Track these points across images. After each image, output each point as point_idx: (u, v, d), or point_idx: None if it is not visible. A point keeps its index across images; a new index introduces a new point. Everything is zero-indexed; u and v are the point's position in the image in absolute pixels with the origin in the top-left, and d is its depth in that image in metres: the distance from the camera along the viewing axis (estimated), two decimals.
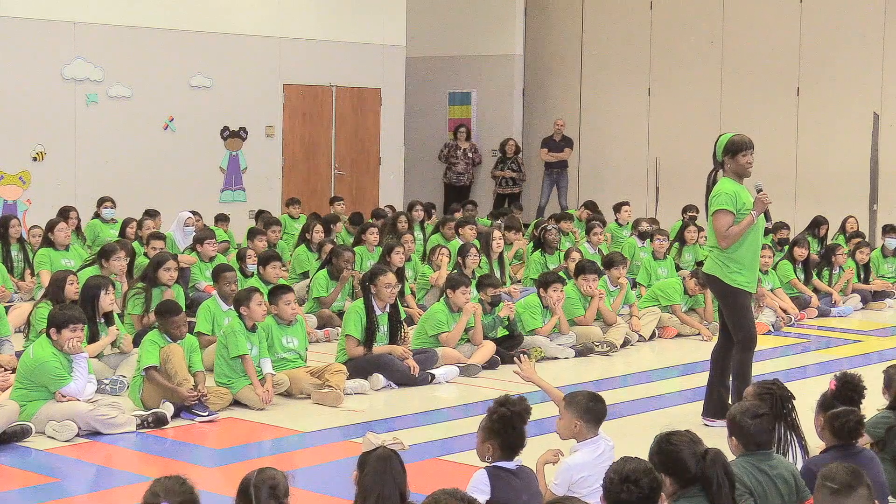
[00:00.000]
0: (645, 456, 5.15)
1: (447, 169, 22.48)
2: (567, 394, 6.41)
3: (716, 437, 6.31)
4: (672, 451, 5.06)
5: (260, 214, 17.52)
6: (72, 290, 10.20)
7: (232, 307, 10.46)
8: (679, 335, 12.68)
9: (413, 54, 21.79)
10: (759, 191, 8.56)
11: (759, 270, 8.81)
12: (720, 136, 8.76)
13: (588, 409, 6.18)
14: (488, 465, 5.70)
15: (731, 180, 8.59)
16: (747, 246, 8.57)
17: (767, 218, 8.61)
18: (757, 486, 5.45)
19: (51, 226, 13.46)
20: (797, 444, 6.11)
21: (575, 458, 6.13)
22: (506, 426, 5.71)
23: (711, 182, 8.72)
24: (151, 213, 15.83)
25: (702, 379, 10.31)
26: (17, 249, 13.94)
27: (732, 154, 8.55)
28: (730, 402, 8.60)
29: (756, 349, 11.92)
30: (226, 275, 10.84)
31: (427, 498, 4.52)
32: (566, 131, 22.30)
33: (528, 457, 6.29)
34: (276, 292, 9.95)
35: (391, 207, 18.92)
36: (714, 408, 8.74)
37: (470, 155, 22.48)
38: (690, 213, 17.56)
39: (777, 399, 6.08)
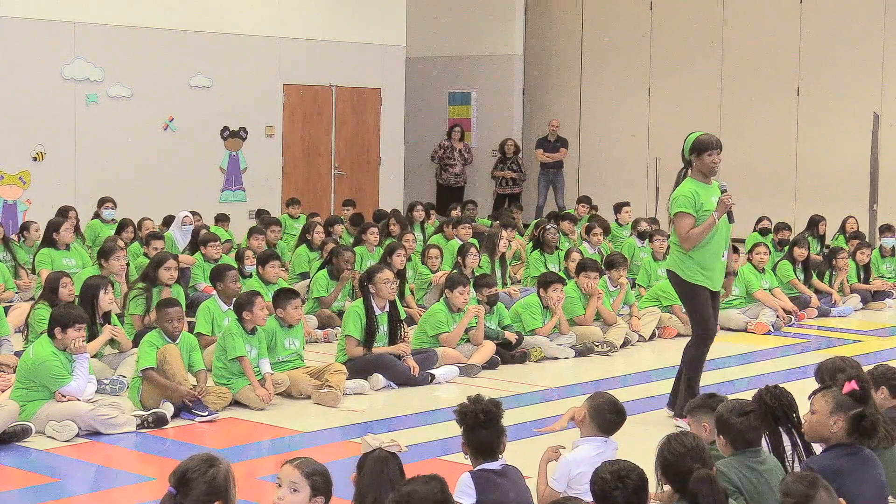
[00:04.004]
0: (643, 456, 5.16)
1: (442, 170, 22.44)
2: (597, 392, 6.44)
3: None
4: (670, 460, 5.08)
5: (260, 214, 17.53)
6: (65, 292, 10.19)
7: (231, 307, 10.49)
8: (679, 335, 12.65)
9: (413, 54, 21.79)
10: (723, 191, 8.60)
11: (724, 271, 8.83)
12: (688, 134, 8.78)
13: (598, 416, 6.18)
14: (473, 468, 5.68)
15: (695, 180, 8.62)
16: (708, 248, 8.58)
17: (731, 219, 8.68)
18: (748, 484, 5.44)
19: (55, 226, 13.42)
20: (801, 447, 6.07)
21: (574, 454, 6.13)
22: (470, 426, 5.70)
23: (680, 180, 8.75)
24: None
25: (701, 379, 10.32)
26: (3, 250, 13.90)
27: (699, 153, 8.59)
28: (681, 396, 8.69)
29: (756, 349, 11.94)
30: (230, 273, 10.83)
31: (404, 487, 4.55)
32: (567, 131, 22.29)
33: (530, 456, 6.29)
34: (285, 296, 9.91)
35: (397, 211, 18.81)
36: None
37: (465, 155, 22.47)
38: None
39: (767, 406, 6.07)
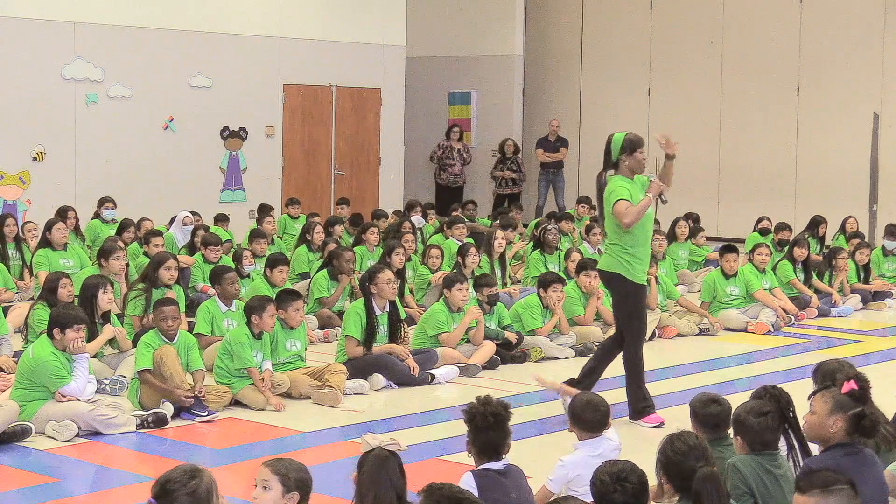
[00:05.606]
0: (643, 456, 5.15)
1: (441, 170, 22.43)
2: (573, 398, 6.44)
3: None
4: (673, 458, 5.08)
5: (262, 209, 17.58)
6: (65, 293, 10.18)
7: (232, 308, 10.49)
8: (679, 335, 12.66)
9: (413, 54, 21.79)
10: (651, 180, 8.88)
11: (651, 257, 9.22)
12: (612, 136, 8.99)
13: (579, 419, 6.22)
14: (475, 468, 5.69)
15: (624, 178, 8.83)
16: (641, 234, 8.81)
17: (663, 201, 8.89)
18: (761, 486, 5.43)
19: (48, 226, 13.44)
20: (797, 446, 6.07)
21: (572, 457, 6.14)
22: (478, 427, 5.70)
23: (603, 182, 8.90)
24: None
25: (701, 379, 10.33)
26: (13, 248, 13.92)
27: (630, 151, 8.85)
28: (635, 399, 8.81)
29: (756, 349, 11.94)
30: (228, 275, 10.81)
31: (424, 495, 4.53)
32: (567, 131, 22.30)
33: (531, 456, 6.28)
34: (287, 298, 9.90)
35: (398, 212, 18.80)
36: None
37: (464, 155, 22.47)
38: (687, 213, 17.62)
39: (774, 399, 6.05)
